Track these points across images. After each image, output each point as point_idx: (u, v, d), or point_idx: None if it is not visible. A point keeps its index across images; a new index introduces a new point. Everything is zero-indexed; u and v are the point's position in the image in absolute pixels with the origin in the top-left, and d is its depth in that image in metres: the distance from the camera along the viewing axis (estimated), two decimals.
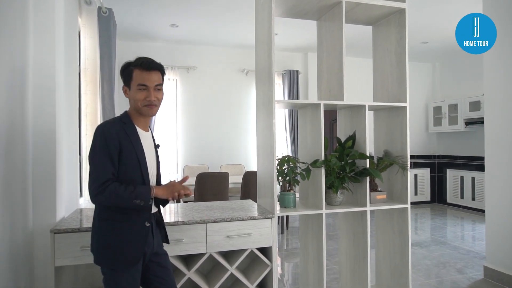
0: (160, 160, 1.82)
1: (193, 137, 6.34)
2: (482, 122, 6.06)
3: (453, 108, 6.97)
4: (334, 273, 3.46)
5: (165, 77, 1.76)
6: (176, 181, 1.71)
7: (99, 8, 3.35)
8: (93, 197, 1.54)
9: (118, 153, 1.56)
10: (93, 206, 3.28)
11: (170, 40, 6.05)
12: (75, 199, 2.81)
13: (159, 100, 1.67)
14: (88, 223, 2.07)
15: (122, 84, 1.69)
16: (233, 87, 6.57)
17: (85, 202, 3.23)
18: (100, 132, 1.57)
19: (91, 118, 3.27)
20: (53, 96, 2.17)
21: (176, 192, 1.65)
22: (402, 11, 2.53)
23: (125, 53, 5.80)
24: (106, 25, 3.39)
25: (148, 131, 1.76)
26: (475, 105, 6.46)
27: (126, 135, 1.60)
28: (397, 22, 2.59)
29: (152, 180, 1.70)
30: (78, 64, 3.07)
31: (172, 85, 6.21)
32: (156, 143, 1.82)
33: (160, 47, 6.12)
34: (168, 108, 6.15)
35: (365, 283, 2.47)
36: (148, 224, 1.63)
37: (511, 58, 3.16)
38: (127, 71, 1.64)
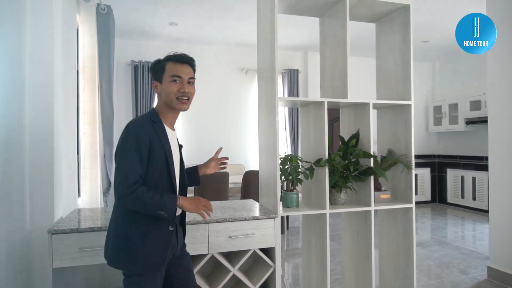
0: (183, 160, 1.78)
1: (192, 136, 6.28)
2: (483, 122, 6.05)
3: (454, 107, 6.94)
4: (337, 274, 3.42)
5: None
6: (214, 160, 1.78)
7: (98, 5, 3.29)
8: (118, 198, 1.49)
9: (147, 153, 1.52)
10: (92, 206, 3.23)
11: (169, 39, 5.99)
12: (73, 199, 2.76)
13: (192, 95, 1.64)
14: (86, 223, 2.02)
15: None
16: (232, 86, 6.52)
17: (84, 202, 3.18)
18: (132, 131, 1.52)
19: (89, 117, 3.22)
20: (50, 94, 2.12)
21: (201, 207, 1.62)
22: (406, 8, 2.50)
23: (123, 51, 5.76)
24: (105, 22, 3.34)
25: (174, 130, 1.71)
26: (476, 105, 6.43)
27: (156, 134, 1.56)
28: (401, 19, 2.55)
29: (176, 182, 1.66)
30: (76, 62, 3.01)
31: None
32: (180, 143, 1.77)
33: (159, 45, 6.06)
34: None
35: (369, 284, 2.43)
36: (172, 228, 1.59)
37: None
38: (159, 65, 1.62)
